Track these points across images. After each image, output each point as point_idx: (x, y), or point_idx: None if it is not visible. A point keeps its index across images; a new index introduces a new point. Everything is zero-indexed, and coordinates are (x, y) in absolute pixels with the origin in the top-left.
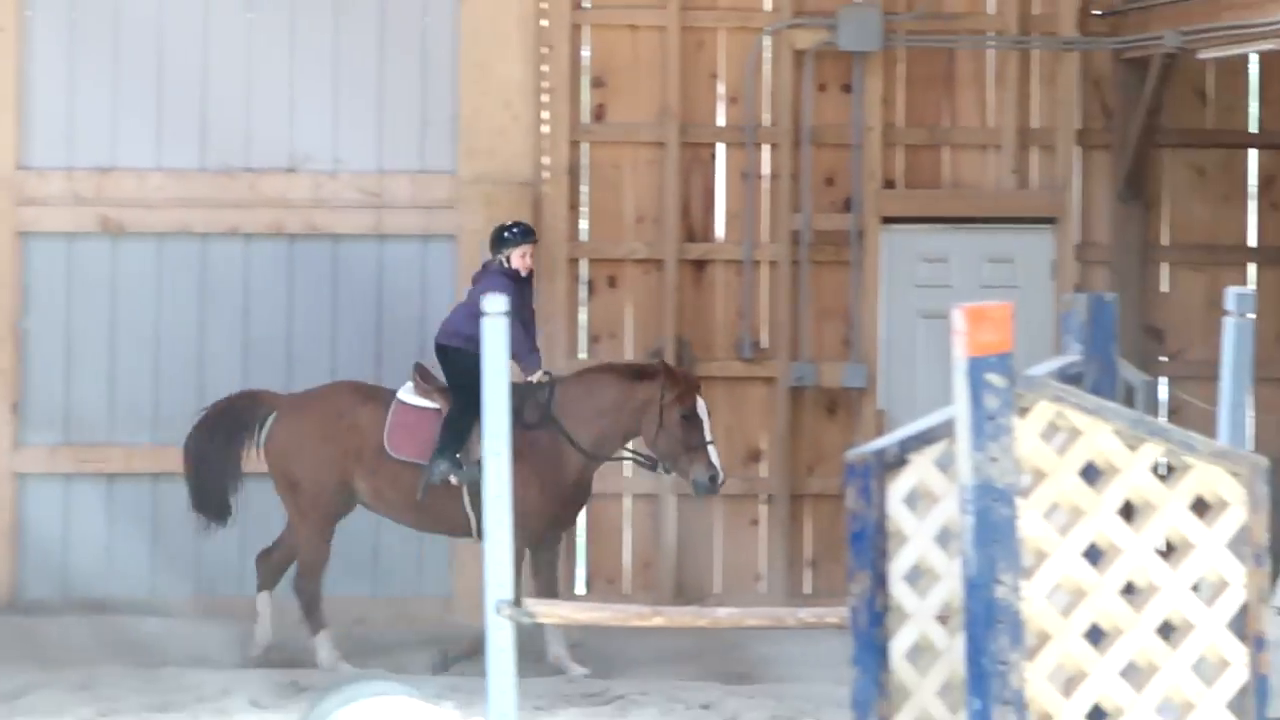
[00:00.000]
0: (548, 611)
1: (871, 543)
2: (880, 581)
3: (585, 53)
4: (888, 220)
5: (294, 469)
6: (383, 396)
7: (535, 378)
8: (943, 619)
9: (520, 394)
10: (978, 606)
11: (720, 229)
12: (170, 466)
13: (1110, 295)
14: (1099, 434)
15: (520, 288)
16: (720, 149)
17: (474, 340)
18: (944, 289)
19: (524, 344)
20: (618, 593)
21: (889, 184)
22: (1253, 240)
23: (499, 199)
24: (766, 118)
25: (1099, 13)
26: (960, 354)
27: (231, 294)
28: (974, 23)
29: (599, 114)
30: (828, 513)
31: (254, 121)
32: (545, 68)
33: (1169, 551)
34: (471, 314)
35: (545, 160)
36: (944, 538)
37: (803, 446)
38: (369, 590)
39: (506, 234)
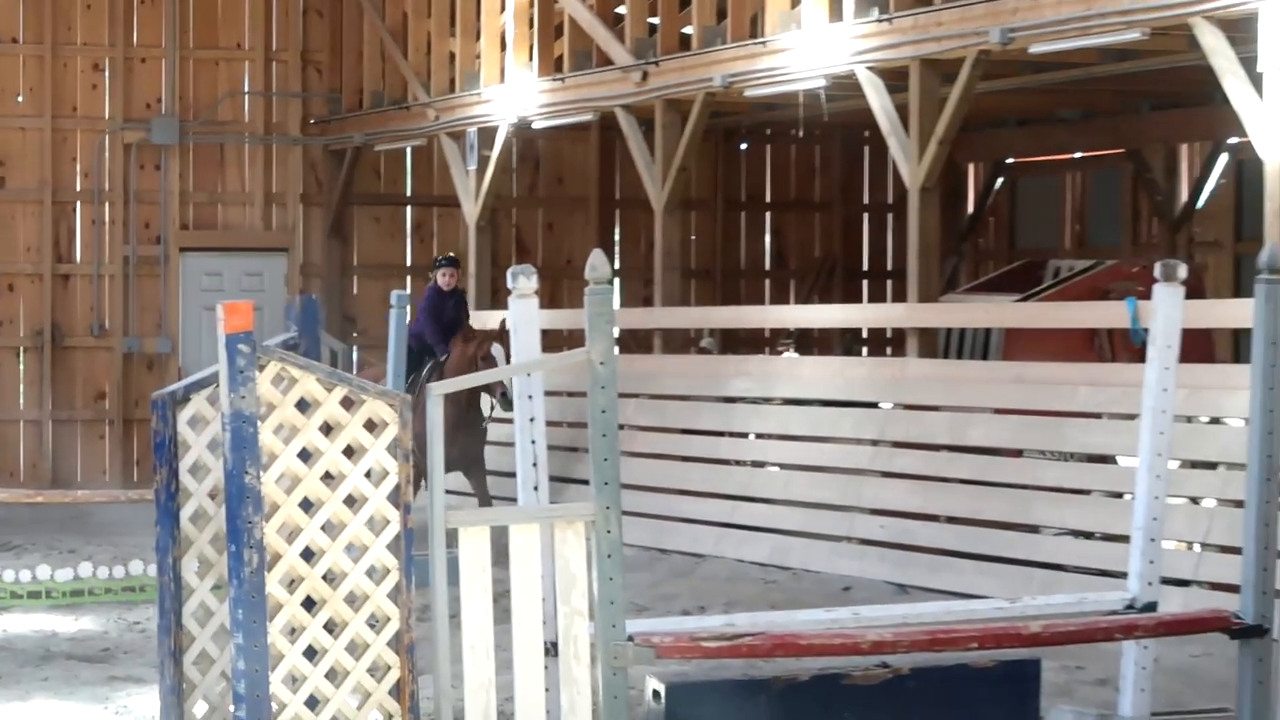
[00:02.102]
0: None
1: (168, 449)
2: (174, 473)
3: None
4: (184, 249)
5: None
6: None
7: (441, 360)
8: (212, 495)
9: (432, 366)
10: (233, 488)
11: (79, 255)
12: None
13: (316, 296)
14: (308, 381)
15: (448, 299)
16: (79, 205)
17: (418, 331)
18: (219, 292)
19: (437, 337)
20: (16, 482)
21: (184, 226)
22: (409, 261)
23: None
24: (107, 185)
25: (314, 120)
26: (221, 332)
27: None
28: (236, 127)
29: (1, 181)
30: (146, 431)
31: None
32: None
33: (351, 453)
34: (420, 316)
35: None
36: (213, 445)
37: (132, 389)
38: None
39: (436, 262)
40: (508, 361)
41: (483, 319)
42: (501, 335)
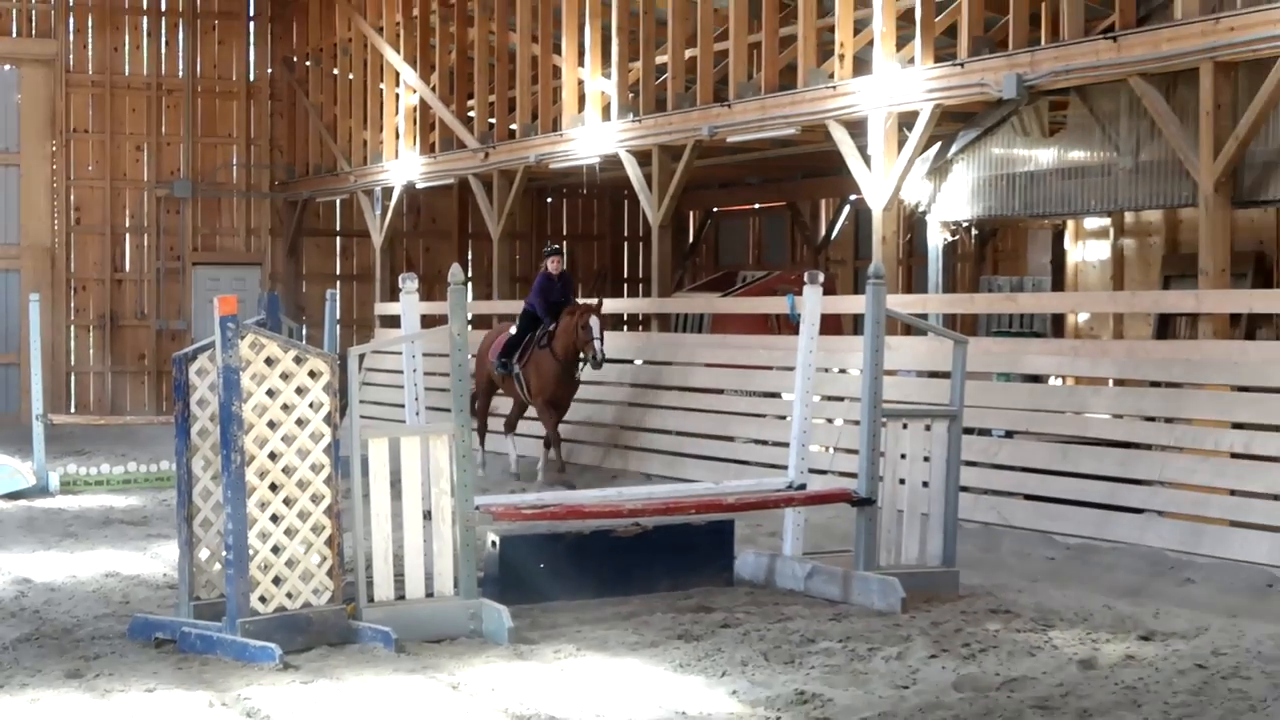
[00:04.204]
0: (61, 419)
1: (183, 389)
2: (187, 405)
3: (72, 197)
4: (195, 264)
5: (476, 368)
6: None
7: (549, 326)
8: (211, 419)
9: (544, 331)
10: (224, 413)
11: (128, 267)
12: None
13: (278, 293)
14: (272, 346)
15: (557, 281)
16: (127, 236)
17: (532, 305)
18: (217, 290)
19: (545, 310)
20: (88, 411)
21: (195, 249)
22: (338, 272)
23: (37, 254)
24: (146, 223)
25: (278, 183)
26: (217, 315)
27: None
28: (228, 187)
29: (78, 220)
30: (170, 379)
31: None
32: (56, 202)
33: (300, 392)
34: (532, 292)
35: (58, 240)
36: (212, 387)
37: (161, 352)
38: None
39: (545, 251)
40: (601, 329)
41: (384, 307)
42: (598, 310)
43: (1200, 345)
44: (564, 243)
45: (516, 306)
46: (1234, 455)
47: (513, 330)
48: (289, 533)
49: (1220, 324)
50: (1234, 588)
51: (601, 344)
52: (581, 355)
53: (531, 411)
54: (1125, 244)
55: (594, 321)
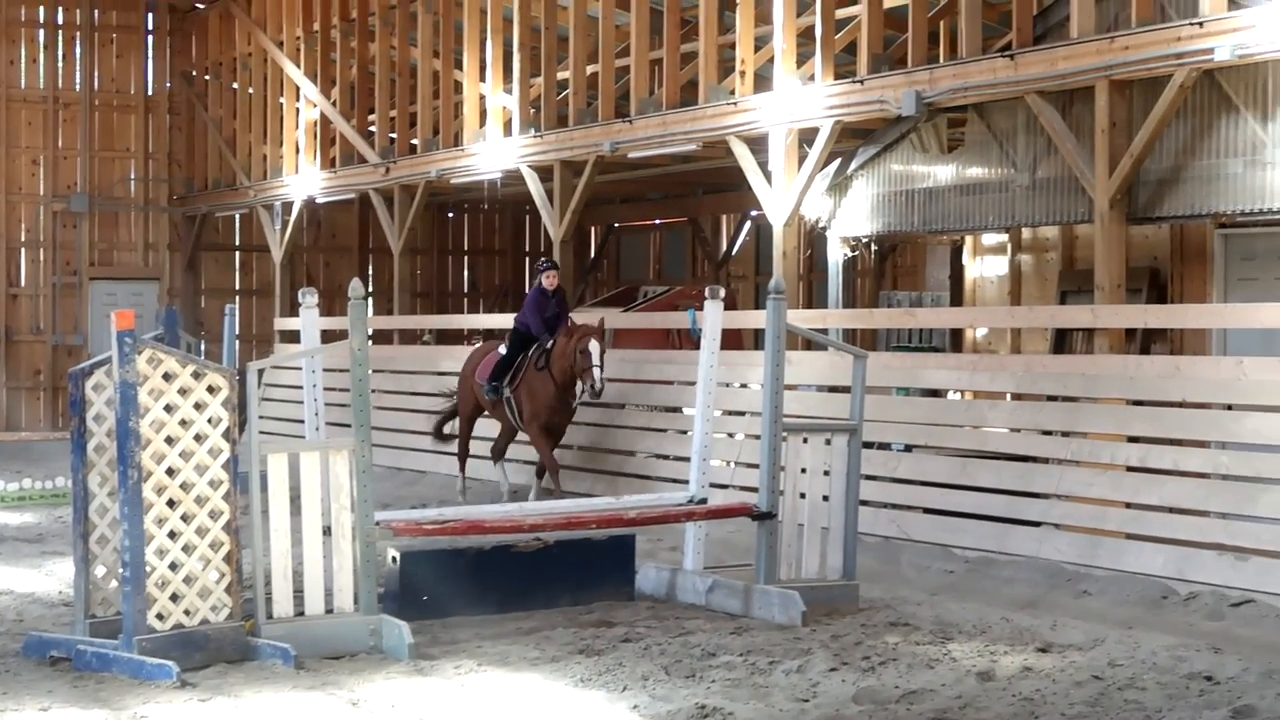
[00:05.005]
0: None
1: (80, 405)
2: (83, 421)
3: None
4: (92, 278)
5: (460, 389)
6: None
7: (546, 345)
8: (108, 435)
9: (539, 351)
10: (121, 429)
11: (24, 281)
12: None
13: (176, 308)
14: (170, 361)
15: (550, 297)
16: (23, 250)
17: (524, 322)
18: (114, 305)
19: (540, 327)
20: (38, 427)
21: (92, 264)
22: (237, 287)
23: None
24: (42, 237)
25: (176, 197)
26: (114, 330)
27: None
28: (126, 201)
29: None
30: (67, 394)
31: None
32: None
33: (199, 407)
34: (525, 309)
35: None
36: (108, 402)
37: (58, 368)
38: None
39: (539, 266)
40: (602, 354)
41: (284, 323)
42: (600, 333)
43: (1096, 360)
44: (465, 257)
45: (417, 322)
46: (1129, 469)
47: (502, 350)
48: (187, 549)
49: (1115, 339)
50: (1130, 599)
51: (601, 371)
52: (579, 383)
53: (522, 436)
54: (1022, 260)
55: (594, 347)
